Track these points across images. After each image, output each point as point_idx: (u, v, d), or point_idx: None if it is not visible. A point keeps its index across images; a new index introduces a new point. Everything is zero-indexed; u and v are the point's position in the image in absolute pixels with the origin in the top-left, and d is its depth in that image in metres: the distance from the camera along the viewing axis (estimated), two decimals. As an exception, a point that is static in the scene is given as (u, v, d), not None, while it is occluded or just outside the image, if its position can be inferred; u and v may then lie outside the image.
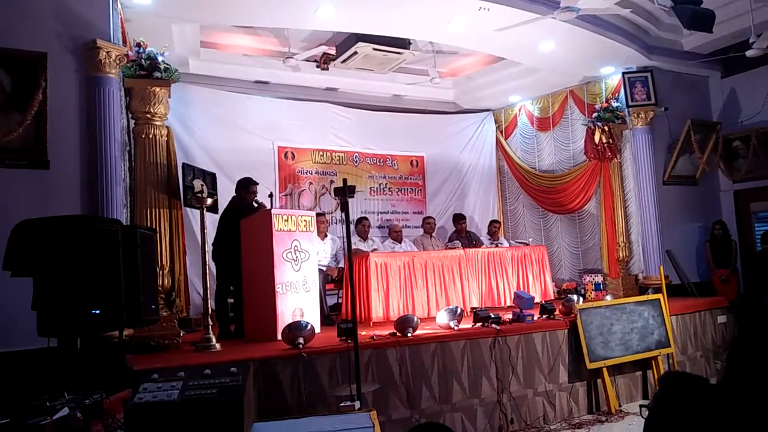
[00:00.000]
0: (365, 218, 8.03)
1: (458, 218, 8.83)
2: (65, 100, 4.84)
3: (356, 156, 9.30)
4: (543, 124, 9.55)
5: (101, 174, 4.87)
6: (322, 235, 7.28)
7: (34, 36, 4.75)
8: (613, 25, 7.12)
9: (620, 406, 5.83)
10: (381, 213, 9.33)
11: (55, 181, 4.72)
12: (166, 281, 5.40)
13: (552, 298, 7.48)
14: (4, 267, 3.18)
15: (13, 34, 4.66)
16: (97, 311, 3.19)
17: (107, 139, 4.93)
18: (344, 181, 4.19)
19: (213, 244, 6.08)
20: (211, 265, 6.09)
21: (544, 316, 5.96)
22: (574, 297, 6.44)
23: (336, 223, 8.46)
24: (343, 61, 7.89)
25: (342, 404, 3.63)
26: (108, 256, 3.29)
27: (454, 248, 7.49)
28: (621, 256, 8.14)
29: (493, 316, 5.58)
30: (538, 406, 5.49)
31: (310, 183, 8.86)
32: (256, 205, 6.11)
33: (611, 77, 8.41)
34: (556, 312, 6.04)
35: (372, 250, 7.07)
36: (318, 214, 7.05)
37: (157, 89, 5.43)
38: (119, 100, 5.22)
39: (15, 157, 4.60)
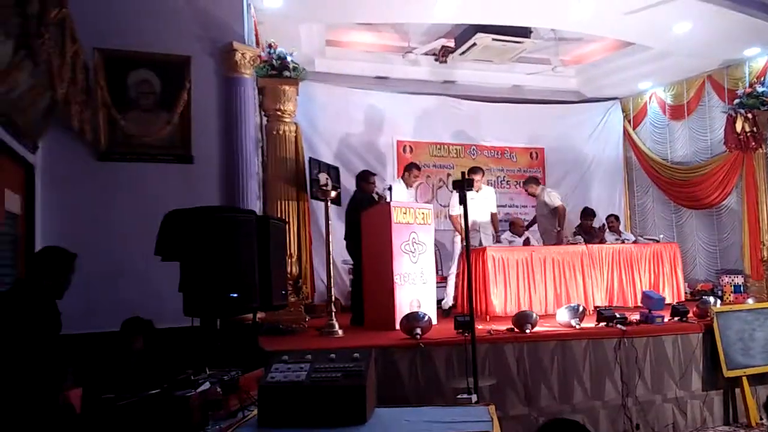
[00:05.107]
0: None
1: (588, 214, 8.02)
2: (206, 100, 5.27)
3: (473, 149, 9.25)
4: (676, 112, 8.96)
5: (238, 168, 5.27)
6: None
7: (179, 41, 5.22)
8: (758, 2, 6.52)
9: (761, 419, 5.35)
10: (499, 206, 9.14)
11: (198, 174, 5.17)
12: (293, 269, 5.73)
13: (684, 299, 7.01)
14: (156, 252, 3.53)
15: (161, 39, 5.15)
16: (235, 295, 3.45)
17: (243, 136, 5.31)
18: (463, 174, 4.13)
19: (345, 239, 6.34)
20: (334, 255, 6.35)
21: (676, 318, 5.61)
22: (711, 299, 5.99)
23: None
24: (462, 53, 7.86)
25: (459, 396, 3.66)
26: (244, 244, 3.53)
27: (576, 243, 7.22)
28: (765, 255, 7.53)
29: (618, 315, 5.34)
30: (667, 413, 5.19)
31: (428, 176, 8.93)
32: (376, 197, 6.28)
33: (756, 59, 7.73)
34: (690, 314, 5.67)
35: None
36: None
37: (287, 88, 5.76)
38: (253, 99, 5.59)
39: (164, 153, 5.11)
